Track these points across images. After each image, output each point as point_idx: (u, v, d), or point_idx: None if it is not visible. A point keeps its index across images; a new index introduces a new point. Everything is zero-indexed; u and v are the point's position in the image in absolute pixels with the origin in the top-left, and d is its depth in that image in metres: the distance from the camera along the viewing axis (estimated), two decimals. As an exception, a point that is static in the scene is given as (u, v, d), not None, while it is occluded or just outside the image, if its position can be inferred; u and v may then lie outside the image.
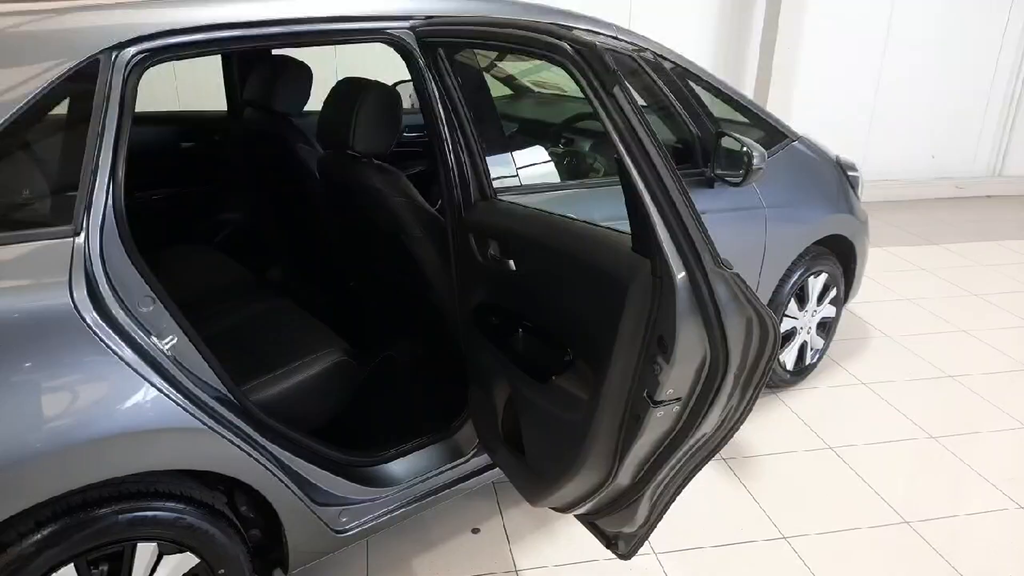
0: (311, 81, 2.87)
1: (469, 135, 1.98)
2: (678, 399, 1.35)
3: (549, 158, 2.85)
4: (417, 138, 3.71)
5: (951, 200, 6.94)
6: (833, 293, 3.43)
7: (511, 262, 1.80)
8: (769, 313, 1.26)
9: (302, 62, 2.85)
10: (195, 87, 5.00)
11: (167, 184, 3.18)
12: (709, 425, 1.38)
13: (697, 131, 2.69)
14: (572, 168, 2.90)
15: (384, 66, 3.01)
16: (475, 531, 2.55)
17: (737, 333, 1.24)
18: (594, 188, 2.50)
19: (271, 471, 1.82)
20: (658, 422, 1.38)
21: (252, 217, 3.42)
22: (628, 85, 1.28)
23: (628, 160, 1.28)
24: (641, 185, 1.27)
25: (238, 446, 1.74)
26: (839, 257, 3.39)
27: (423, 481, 2.21)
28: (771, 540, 2.51)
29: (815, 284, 3.30)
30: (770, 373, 1.32)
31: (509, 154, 2.28)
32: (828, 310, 3.46)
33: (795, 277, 3.14)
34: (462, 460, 2.29)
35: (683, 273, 1.24)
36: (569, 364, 1.59)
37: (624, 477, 1.55)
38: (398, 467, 2.20)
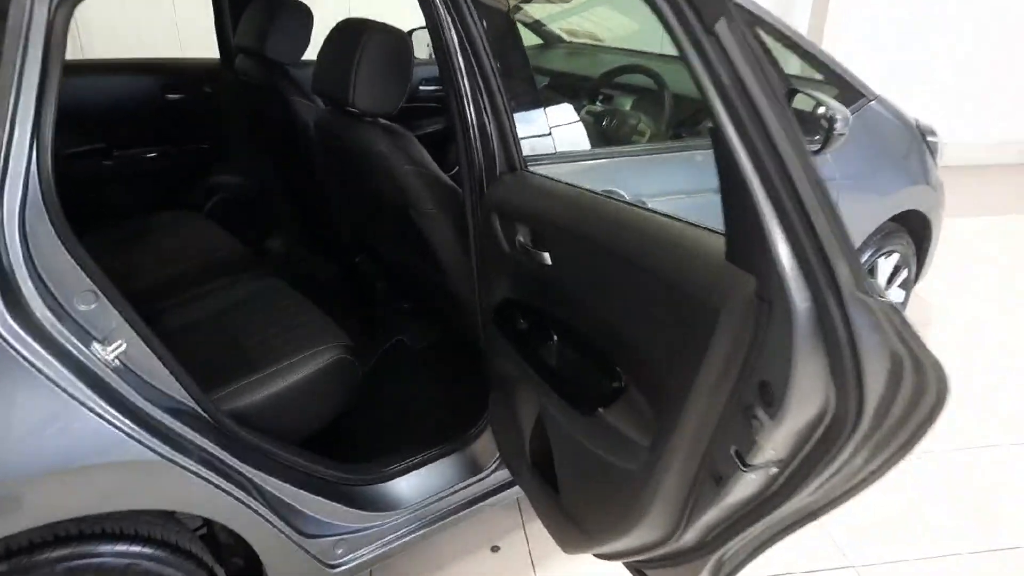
0: (311, 25, 2.47)
1: (495, 91, 1.58)
2: (779, 461, 0.99)
3: (587, 119, 2.46)
4: (434, 92, 3.30)
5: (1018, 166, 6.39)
6: (904, 275, 3.01)
7: (545, 255, 1.43)
8: (935, 361, 0.88)
9: (301, 2, 2.44)
10: (198, 34, 4.59)
11: (150, 142, 2.82)
12: (813, 491, 1.02)
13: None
14: (613, 132, 2.49)
15: (399, 9, 2.60)
16: (495, 549, 2.23)
17: (879, 382, 0.87)
18: (645, 156, 2.10)
19: (247, 504, 1.49)
20: (746, 485, 1.03)
21: (249, 180, 3.05)
22: (740, 20, 0.86)
23: (732, 131, 0.88)
24: (749, 168, 0.87)
25: (205, 478, 1.41)
26: (912, 234, 2.96)
27: (435, 502, 1.89)
28: (839, 569, 2.16)
29: (885, 266, 2.89)
30: (924, 435, 0.94)
31: (543, 113, 1.88)
32: (896, 294, 3.06)
33: (864, 259, 2.73)
34: (481, 476, 1.96)
35: (807, 298, 0.86)
36: (619, 393, 1.22)
37: (690, 538, 1.21)
38: (405, 486, 1.86)
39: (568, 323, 1.40)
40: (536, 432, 1.56)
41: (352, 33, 1.85)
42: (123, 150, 2.75)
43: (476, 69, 1.59)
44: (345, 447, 2.01)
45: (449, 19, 1.60)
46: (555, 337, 1.44)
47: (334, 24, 2.00)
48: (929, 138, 2.97)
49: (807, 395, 0.89)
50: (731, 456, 0.99)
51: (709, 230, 1.10)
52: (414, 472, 1.90)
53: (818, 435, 0.94)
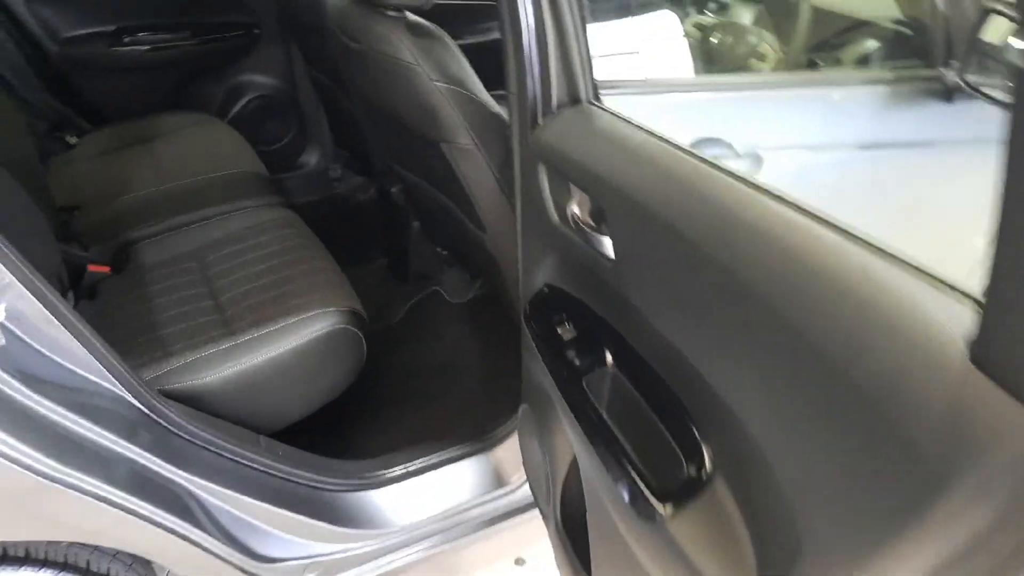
0: None
1: None
2: None
3: (691, 36, 1.89)
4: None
5: None
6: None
7: (606, 240, 0.94)
8: None
9: None
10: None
11: (168, 29, 2.39)
12: None
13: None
14: (724, 54, 1.90)
15: None
16: (519, 562, 1.84)
17: None
18: (766, 90, 1.54)
19: (181, 534, 1.12)
20: None
21: (284, 83, 2.60)
22: None
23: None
24: None
25: (117, 504, 1.03)
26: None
27: (445, 519, 1.49)
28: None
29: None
30: None
31: (630, 22, 1.35)
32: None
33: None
34: (507, 490, 1.55)
35: None
36: (698, 487, 0.75)
37: None
38: (401, 496, 1.47)
39: (632, 349, 0.92)
40: (570, 484, 1.11)
41: None
42: (134, 35, 2.34)
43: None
44: (332, 433, 1.62)
45: None
46: (609, 362, 0.97)
47: None
48: None
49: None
50: None
51: (929, 276, 0.57)
52: (419, 478, 1.50)
53: None
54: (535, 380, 1.22)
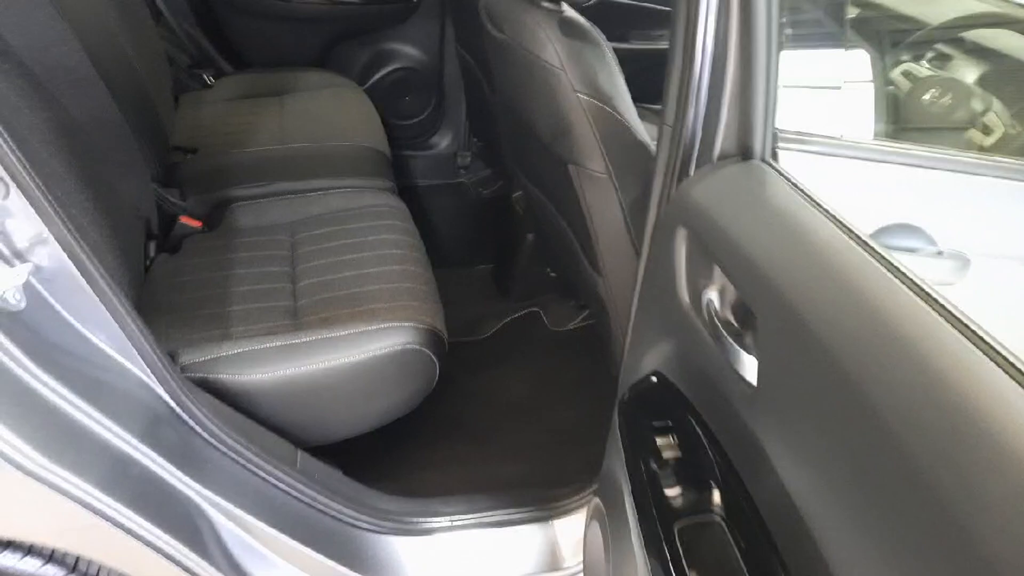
0: None
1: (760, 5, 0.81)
2: None
3: (893, 85, 1.58)
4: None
5: None
6: None
7: (750, 361, 0.70)
8: None
9: None
10: None
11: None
12: None
13: None
14: (938, 116, 1.55)
15: None
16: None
17: None
18: (989, 171, 1.22)
19: (171, 556, 0.97)
20: None
21: (429, 57, 2.46)
22: None
23: None
24: None
25: (108, 517, 0.90)
26: None
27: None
28: None
29: None
30: None
31: (829, 54, 1.07)
32: None
33: None
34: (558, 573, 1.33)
35: None
36: None
37: None
38: (439, 551, 1.28)
39: (751, 501, 0.67)
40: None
41: None
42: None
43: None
44: (376, 455, 1.46)
45: None
46: (715, 508, 0.72)
47: None
48: None
49: None
50: None
51: None
52: (465, 533, 1.30)
53: None
54: (614, 479, 0.98)
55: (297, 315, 1.34)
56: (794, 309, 0.62)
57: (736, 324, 0.75)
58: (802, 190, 0.76)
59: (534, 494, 1.36)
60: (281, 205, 1.66)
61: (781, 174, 0.79)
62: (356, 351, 1.24)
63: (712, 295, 0.79)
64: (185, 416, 1.03)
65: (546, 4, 1.19)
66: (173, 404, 1.02)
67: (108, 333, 0.95)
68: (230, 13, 2.26)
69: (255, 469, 1.10)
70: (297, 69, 2.24)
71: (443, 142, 2.58)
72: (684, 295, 0.83)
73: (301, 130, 1.93)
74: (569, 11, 1.21)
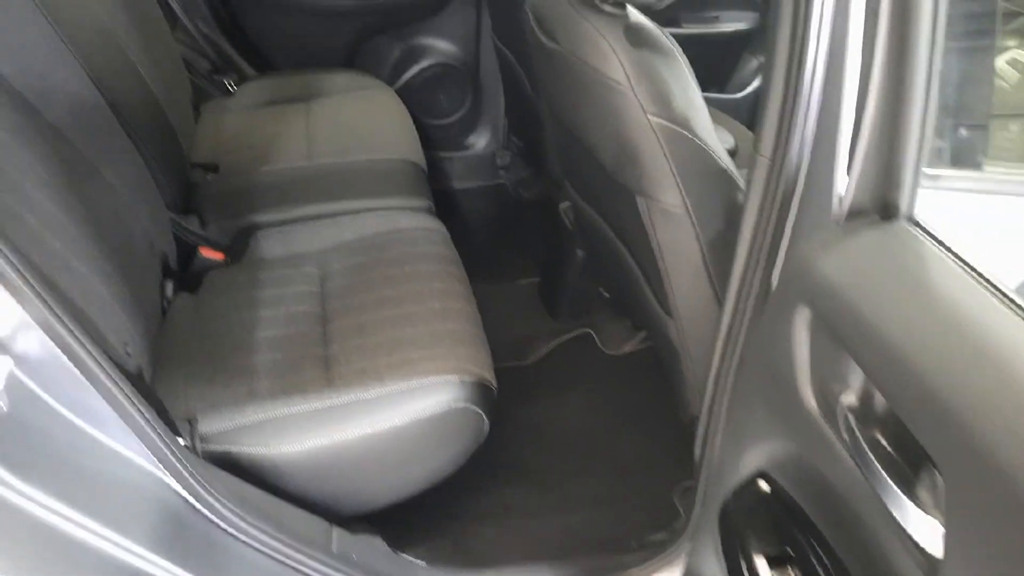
0: None
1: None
2: None
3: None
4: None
5: None
6: None
7: (930, 525, 0.52)
8: None
9: None
10: None
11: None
12: None
13: None
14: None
15: None
16: None
17: None
18: None
19: None
20: None
21: (466, 53, 2.28)
22: None
23: None
24: None
25: None
26: None
27: None
28: None
29: None
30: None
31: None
32: None
33: None
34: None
35: None
36: None
37: None
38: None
39: None
40: None
41: None
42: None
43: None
44: (418, 516, 1.31)
45: None
46: None
47: None
48: None
49: None
50: None
51: None
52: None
53: None
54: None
55: (329, 366, 1.19)
56: (1004, 469, 0.44)
57: (893, 451, 0.57)
58: (972, 267, 0.57)
59: (599, 562, 1.21)
60: (309, 231, 1.51)
61: (941, 244, 0.60)
62: (396, 415, 1.09)
63: (850, 400, 0.61)
64: (203, 508, 0.90)
65: (608, 8, 1.01)
66: (188, 496, 0.88)
67: (110, 425, 0.81)
68: (251, 12, 2.11)
69: (285, 560, 0.96)
70: (324, 70, 2.08)
71: (480, 142, 2.41)
72: (808, 394, 0.65)
73: (329, 142, 1.78)
74: (636, 15, 1.03)
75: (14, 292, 0.72)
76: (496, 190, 2.45)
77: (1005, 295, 0.54)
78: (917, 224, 0.63)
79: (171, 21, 1.97)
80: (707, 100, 2.27)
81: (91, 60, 1.29)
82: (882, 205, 0.65)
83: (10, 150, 1.01)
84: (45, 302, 0.75)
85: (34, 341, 0.76)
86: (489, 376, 1.21)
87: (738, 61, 2.44)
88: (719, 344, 0.96)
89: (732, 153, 1.20)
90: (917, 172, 0.64)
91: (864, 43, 0.62)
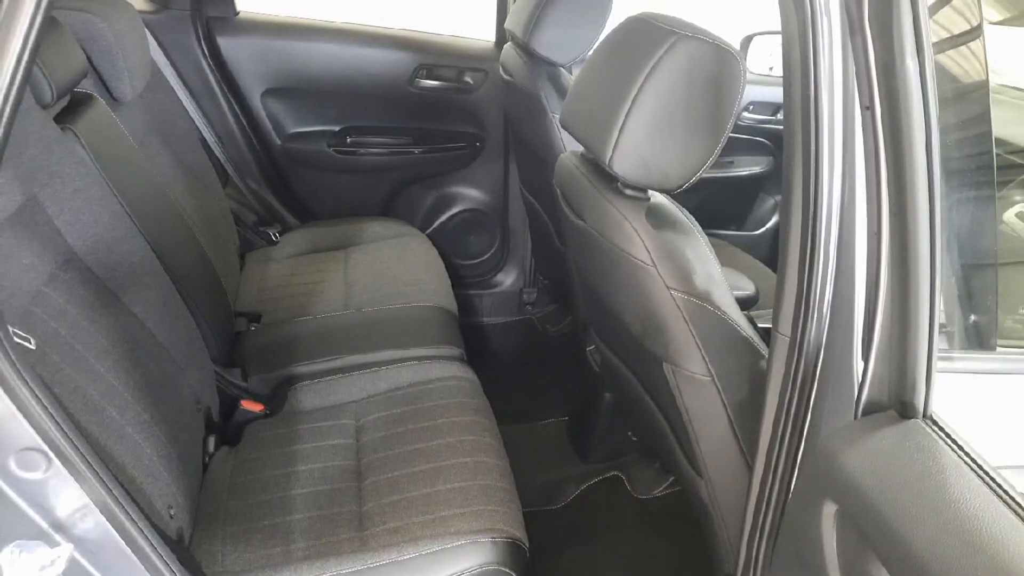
0: (604, 16, 1.72)
1: (913, 166, 0.68)
2: None
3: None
4: (761, 123, 2.37)
5: None
6: None
7: None
8: None
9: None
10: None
11: (390, 133, 2.29)
12: None
13: None
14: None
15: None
16: None
17: None
18: None
19: None
20: None
21: (493, 199, 2.41)
22: None
23: None
24: None
25: None
26: None
27: None
28: None
29: None
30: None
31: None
32: None
33: None
34: None
35: None
36: None
37: None
38: None
39: None
40: None
41: (642, 42, 1.05)
42: (358, 137, 2.26)
43: (880, 119, 0.70)
44: None
45: (826, 25, 0.73)
46: None
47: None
48: None
49: None
50: None
51: None
52: None
53: None
54: None
55: (363, 525, 1.21)
56: None
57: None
58: (988, 473, 0.60)
59: None
60: (347, 382, 1.56)
61: (957, 446, 0.64)
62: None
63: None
64: None
65: (631, 192, 1.10)
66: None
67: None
68: (296, 169, 2.27)
69: None
70: (361, 219, 2.21)
71: (508, 280, 2.51)
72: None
73: (367, 289, 1.87)
74: (657, 196, 1.11)
75: (75, 473, 0.77)
76: (523, 324, 2.52)
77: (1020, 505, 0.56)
78: (935, 423, 0.67)
79: (223, 179, 2.13)
80: (727, 238, 2.35)
81: (151, 228, 1.40)
82: (899, 403, 0.69)
83: (79, 326, 1.09)
84: (103, 482, 0.80)
85: (91, 522, 0.80)
86: (520, 534, 1.22)
87: (755, 201, 2.55)
88: (750, 509, 0.98)
89: (753, 300, 1.24)
90: (931, 369, 0.69)
91: (868, 259, 0.68)
